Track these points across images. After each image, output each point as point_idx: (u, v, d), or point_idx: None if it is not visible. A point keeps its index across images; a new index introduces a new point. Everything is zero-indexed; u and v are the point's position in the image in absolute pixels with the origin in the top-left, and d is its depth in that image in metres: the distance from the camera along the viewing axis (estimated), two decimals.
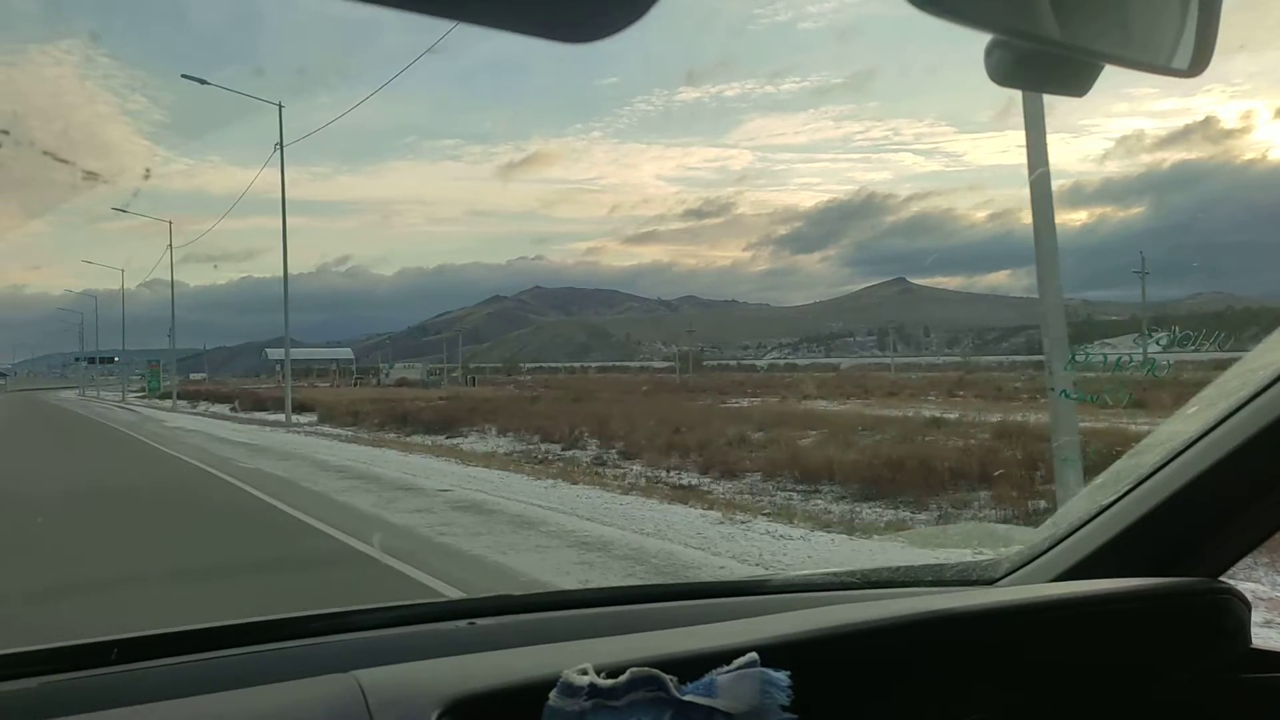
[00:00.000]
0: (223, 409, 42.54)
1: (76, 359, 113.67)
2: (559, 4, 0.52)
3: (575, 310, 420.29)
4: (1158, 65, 0.83)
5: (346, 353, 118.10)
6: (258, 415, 35.83)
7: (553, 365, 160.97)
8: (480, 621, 1.41)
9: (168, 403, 50.09)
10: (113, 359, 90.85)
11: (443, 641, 1.31)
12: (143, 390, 79.39)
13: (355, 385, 73.75)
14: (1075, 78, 0.82)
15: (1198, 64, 0.84)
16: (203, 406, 45.62)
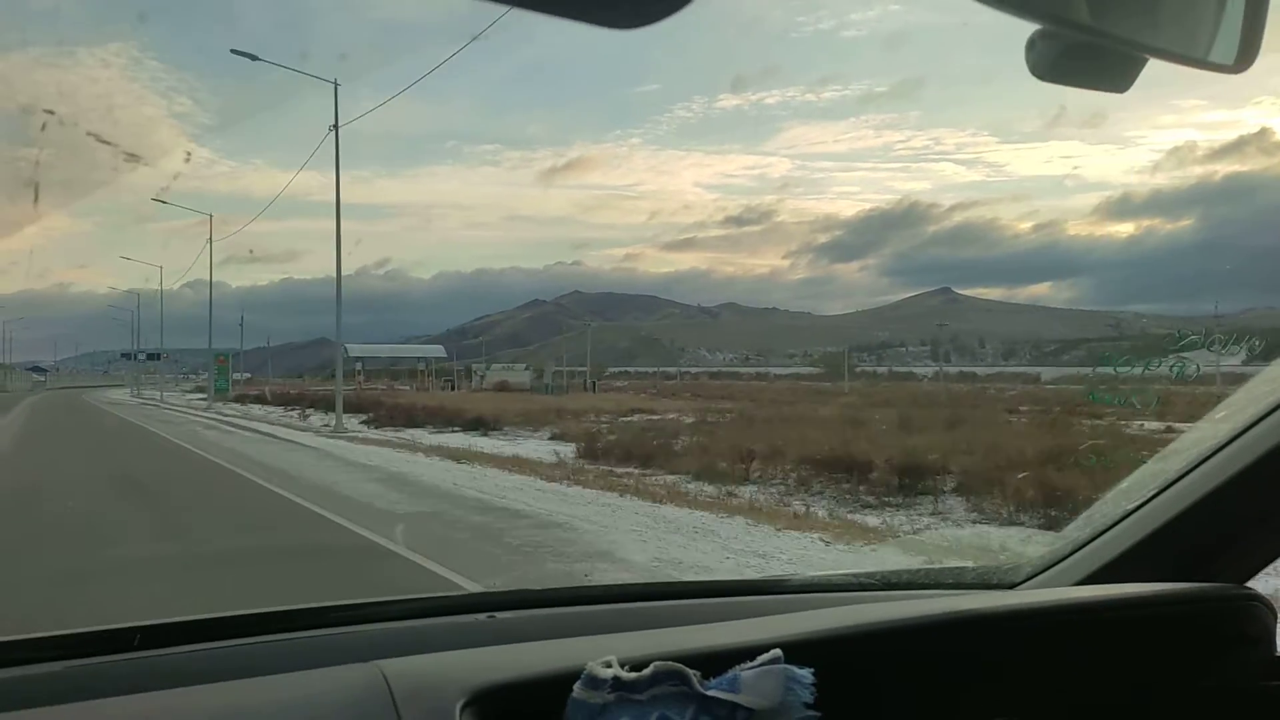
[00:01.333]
0: (350, 421, 28.47)
1: (123, 355, 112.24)
2: None
3: (614, 316, 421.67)
4: (1202, 59, 0.81)
5: (437, 350, 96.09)
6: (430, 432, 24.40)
7: (640, 370, 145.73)
8: (500, 615, 1.43)
9: (252, 409, 42.54)
10: (158, 355, 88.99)
11: (463, 634, 1.30)
12: (199, 390, 73.27)
13: (448, 388, 64.63)
14: (1117, 72, 0.80)
15: (1244, 58, 0.82)
16: (317, 418, 32.14)
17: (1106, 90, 0.83)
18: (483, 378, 74.24)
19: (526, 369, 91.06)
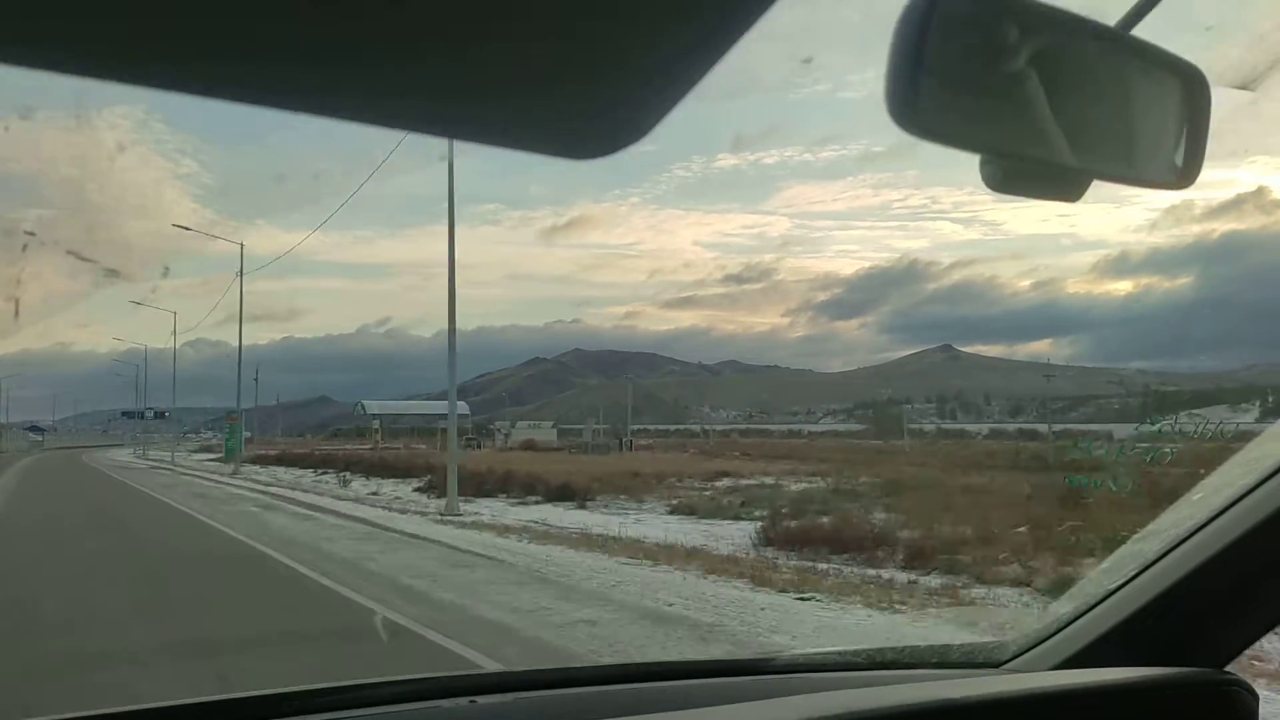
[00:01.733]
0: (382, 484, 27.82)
1: (124, 414, 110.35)
2: (558, 125, 0.53)
3: (615, 373, 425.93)
4: (1147, 179, 0.86)
5: (462, 407, 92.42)
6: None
7: (658, 427, 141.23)
8: (482, 699, 1.40)
9: (278, 473, 38.00)
10: (162, 414, 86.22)
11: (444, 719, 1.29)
12: (205, 450, 71.12)
13: (470, 447, 56.50)
14: (1067, 187, 0.84)
15: (1187, 176, 0.87)
16: (359, 484, 29.34)
17: (1058, 200, 0.87)
18: (507, 436, 69.31)
19: (553, 426, 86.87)
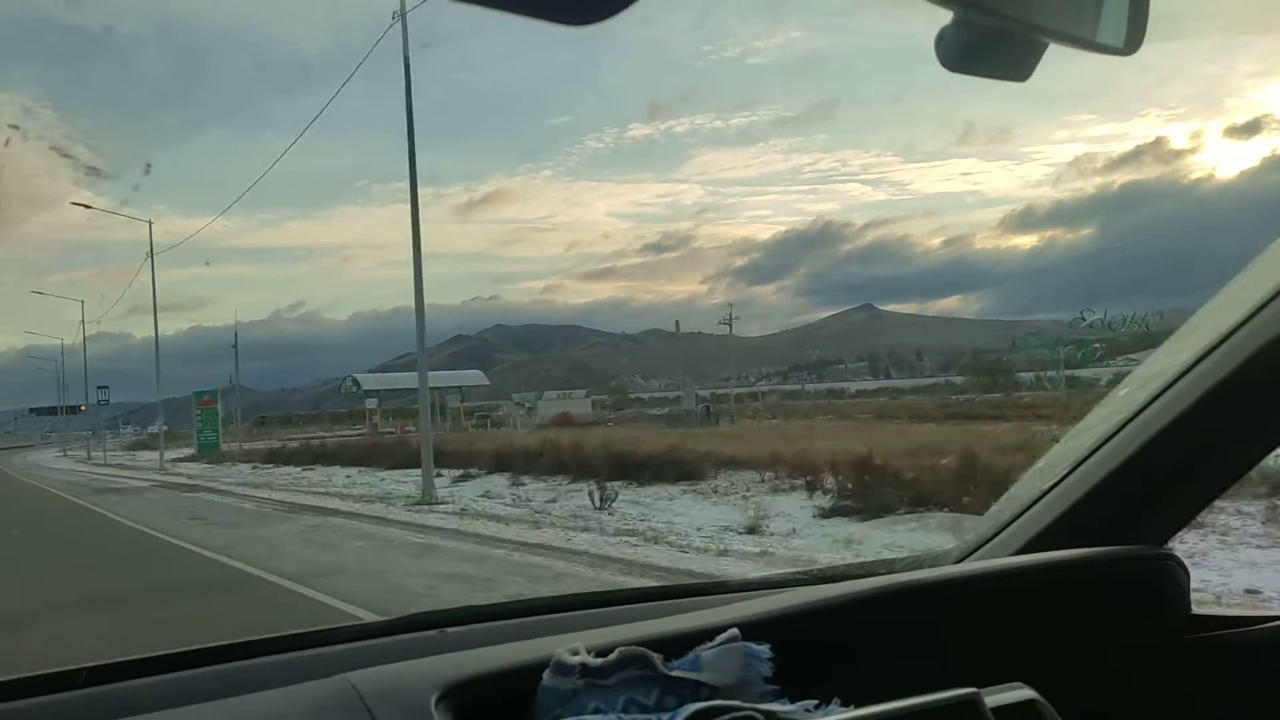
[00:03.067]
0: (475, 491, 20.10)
1: (31, 410, 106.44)
2: None
3: (539, 348, 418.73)
4: (1095, 42, 0.91)
5: (476, 376, 74.50)
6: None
7: (658, 395, 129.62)
8: (451, 630, 1.44)
9: (275, 476, 29.13)
10: (79, 409, 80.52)
11: (417, 648, 1.31)
12: (144, 447, 61.98)
13: (482, 427, 51.33)
14: (1019, 59, 0.88)
15: (1132, 41, 0.93)
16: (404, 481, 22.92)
17: (1009, 79, 0.90)
18: (530, 410, 57.88)
19: (586, 396, 78.10)
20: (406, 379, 63.65)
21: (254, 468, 33.62)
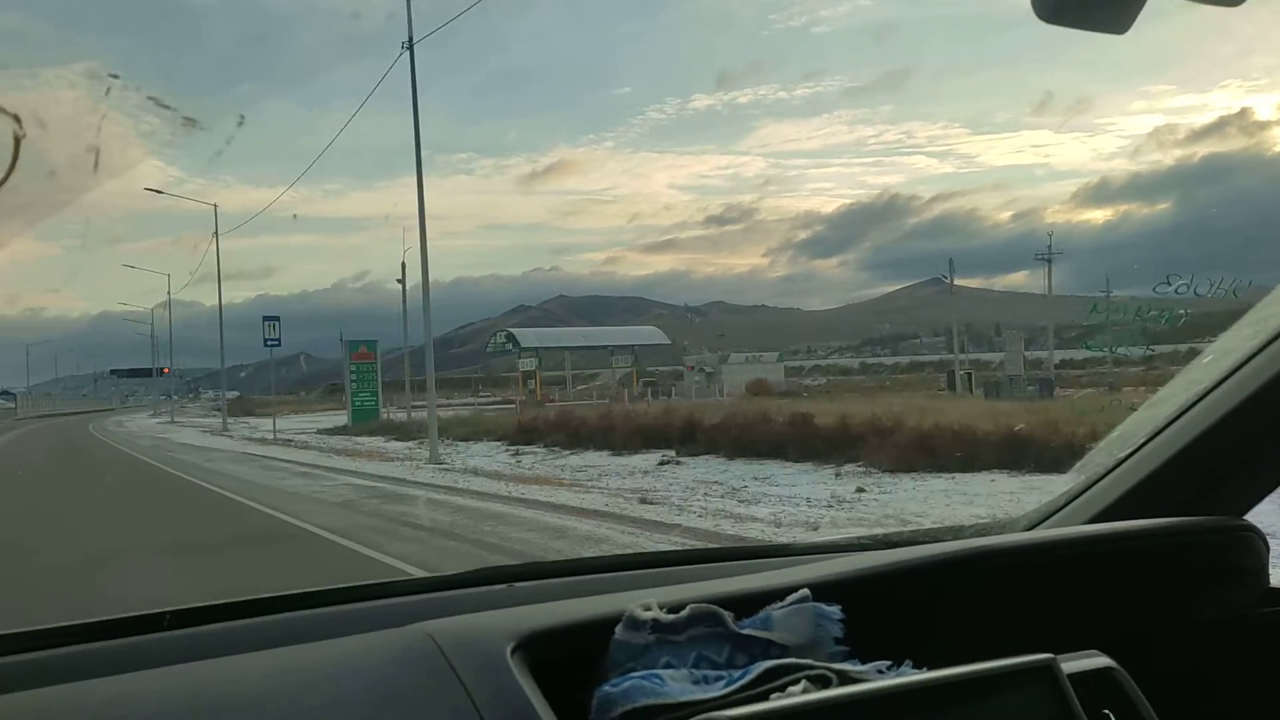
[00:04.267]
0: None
1: (112, 371, 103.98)
2: None
3: (601, 319, 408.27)
4: None
5: (653, 334, 58.62)
6: None
7: (831, 364, 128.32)
8: (518, 585, 1.48)
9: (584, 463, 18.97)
10: (156, 371, 77.86)
11: (488, 600, 1.35)
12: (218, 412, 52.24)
13: (645, 395, 43.24)
14: (1120, 10, 0.83)
15: None
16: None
17: (1106, 31, 0.87)
18: (709, 376, 47.78)
19: (779, 359, 65.84)
20: (566, 335, 56.34)
21: (515, 453, 21.92)
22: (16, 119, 1.13)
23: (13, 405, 79.88)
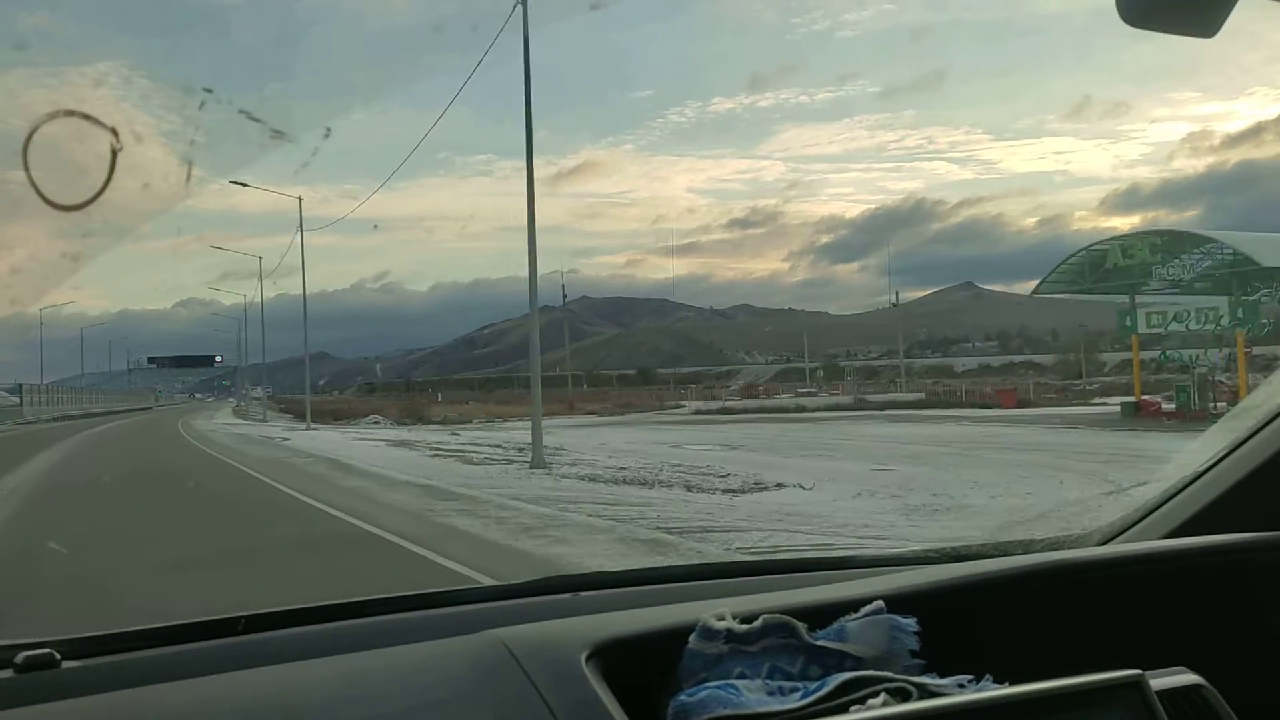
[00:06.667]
0: None
1: (150, 360, 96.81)
2: None
3: (626, 320, 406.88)
4: None
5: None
6: None
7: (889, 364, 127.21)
8: (584, 594, 1.49)
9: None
10: (211, 360, 73.55)
11: (556, 609, 1.37)
12: (285, 410, 51.94)
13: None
14: (1209, 13, 0.80)
15: None
16: None
17: (1193, 34, 0.85)
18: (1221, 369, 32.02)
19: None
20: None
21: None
22: (114, 132, 1.18)
23: (17, 401, 65.52)
